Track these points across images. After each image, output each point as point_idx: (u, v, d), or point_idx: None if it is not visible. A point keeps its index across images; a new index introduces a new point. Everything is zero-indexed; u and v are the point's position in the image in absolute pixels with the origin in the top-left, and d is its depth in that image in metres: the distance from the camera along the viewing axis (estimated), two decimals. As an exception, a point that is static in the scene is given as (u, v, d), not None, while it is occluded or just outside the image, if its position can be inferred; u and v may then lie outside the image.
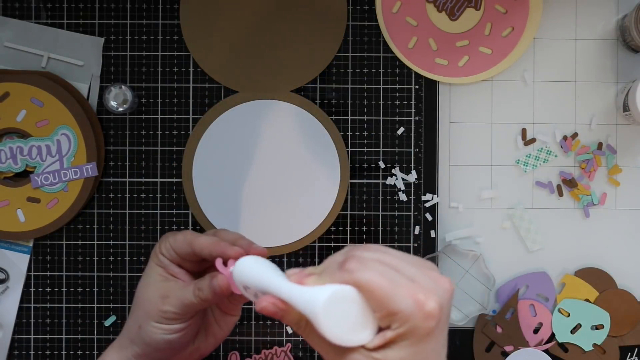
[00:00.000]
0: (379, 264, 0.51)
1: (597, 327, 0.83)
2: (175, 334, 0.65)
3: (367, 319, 0.51)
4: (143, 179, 0.84)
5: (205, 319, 0.69)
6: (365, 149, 0.84)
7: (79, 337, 0.84)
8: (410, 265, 0.52)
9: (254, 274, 0.57)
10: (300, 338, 0.84)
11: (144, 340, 0.65)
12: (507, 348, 0.83)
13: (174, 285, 0.65)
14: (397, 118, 0.84)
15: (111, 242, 0.84)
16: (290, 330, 0.84)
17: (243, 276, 0.59)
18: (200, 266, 0.68)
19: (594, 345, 0.83)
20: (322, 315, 0.50)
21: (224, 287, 0.62)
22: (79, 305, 0.84)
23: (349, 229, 0.84)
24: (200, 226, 0.83)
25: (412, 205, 0.84)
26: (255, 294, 0.57)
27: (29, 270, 0.84)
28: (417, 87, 0.84)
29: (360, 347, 0.51)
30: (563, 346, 0.83)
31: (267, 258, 0.61)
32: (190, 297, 0.64)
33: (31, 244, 0.83)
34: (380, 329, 0.52)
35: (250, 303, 0.83)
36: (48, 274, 0.84)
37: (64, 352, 0.84)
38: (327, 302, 0.50)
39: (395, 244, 0.83)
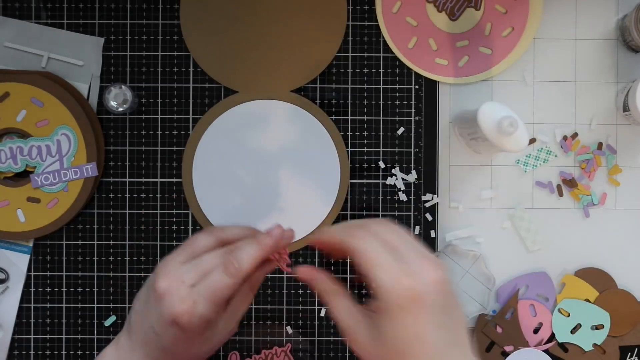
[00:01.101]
0: (378, 239, 0.56)
1: (597, 327, 0.83)
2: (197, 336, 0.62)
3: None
4: (143, 179, 0.84)
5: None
6: (365, 149, 0.84)
7: (79, 337, 0.84)
8: (409, 249, 0.56)
9: None
10: (300, 338, 0.84)
11: (163, 346, 0.61)
12: (507, 348, 0.83)
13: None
14: (397, 118, 0.84)
15: (111, 242, 0.84)
16: (290, 330, 0.84)
17: None
18: None
19: (594, 345, 0.83)
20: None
21: (282, 236, 0.63)
22: (79, 305, 0.84)
23: (349, 229, 0.84)
24: (200, 226, 0.83)
25: (412, 205, 0.84)
26: None
27: (29, 270, 0.84)
28: (417, 87, 0.84)
29: (367, 316, 0.56)
30: (563, 346, 0.83)
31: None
32: (219, 280, 0.59)
33: (31, 244, 0.84)
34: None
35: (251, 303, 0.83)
36: (48, 274, 0.84)
37: (64, 352, 0.84)
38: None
39: (395, 244, 0.83)
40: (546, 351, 0.83)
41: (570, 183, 0.83)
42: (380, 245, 0.55)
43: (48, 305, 0.84)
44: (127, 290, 0.84)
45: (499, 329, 0.83)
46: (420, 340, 0.54)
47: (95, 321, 0.84)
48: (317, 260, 0.84)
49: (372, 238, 0.56)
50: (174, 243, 0.84)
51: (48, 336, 0.84)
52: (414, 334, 0.54)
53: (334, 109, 0.84)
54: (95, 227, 0.84)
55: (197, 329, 0.60)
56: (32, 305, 0.84)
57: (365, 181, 0.84)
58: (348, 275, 0.83)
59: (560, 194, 0.84)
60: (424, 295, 0.54)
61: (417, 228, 0.83)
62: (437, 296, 0.54)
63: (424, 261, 0.55)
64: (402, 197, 0.84)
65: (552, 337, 0.83)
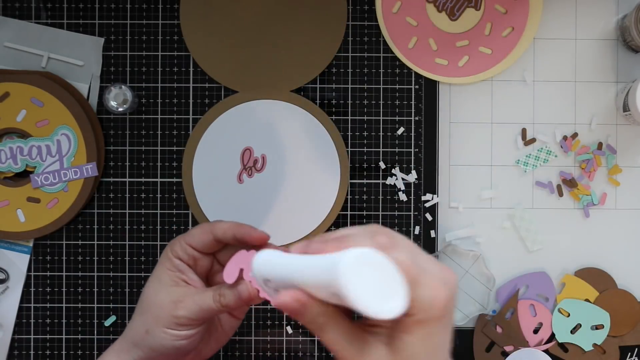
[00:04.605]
0: (406, 245, 0.50)
1: (597, 327, 0.83)
2: (184, 340, 0.64)
3: (396, 290, 0.48)
4: (143, 179, 0.84)
5: (210, 323, 0.68)
6: (365, 149, 0.84)
7: (79, 337, 0.84)
8: (423, 254, 0.51)
9: (277, 264, 0.53)
10: (300, 338, 0.84)
11: (151, 345, 0.64)
12: (507, 348, 0.83)
13: (188, 290, 0.64)
14: (397, 118, 0.84)
15: (111, 242, 0.84)
16: (290, 331, 0.84)
17: (266, 268, 0.54)
18: (210, 265, 0.68)
19: (594, 345, 0.83)
20: (345, 279, 0.45)
21: (253, 294, 0.61)
22: (79, 305, 0.84)
23: (349, 229, 0.84)
24: (200, 226, 0.83)
25: (412, 205, 0.84)
26: (276, 288, 0.54)
27: (29, 270, 0.84)
28: (417, 87, 0.84)
29: (377, 340, 0.50)
30: (563, 346, 0.83)
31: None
32: (209, 303, 0.63)
33: (31, 244, 0.84)
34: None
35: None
36: (48, 274, 0.84)
37: (64, 352, 0.84)
38: (351, 264, 0.46)
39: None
40: (546, 351, 0.83)
41: (570, 183, 0.83)
42: (410, 253, 0.49)
43: (48, 305, 0.84)
44: (127, 290, 0.84)
45: (499, 329, 0.83)
46: (444, 353, 0.51)
47: (95, 321, 0.84)
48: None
49: (402, 246, 0.49)
50: (174, 243, 0.84)
51: (48, 336, 0.84)
52: (441, 344, 0.51)
53: (334, 109, 0.84)
54: (95, 227, 0.84)
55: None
56: (32, 305, 0.84)
57: (365, 181, 0.84)
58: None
59: (560, 194, 0.84)
60: (454, 301, 0.51)
61: (417, 228, 0.83)
62: (456, 297, 0.52)
63: (438, 265, 0.51)
64: (402, 197, 0.84)
65: (552, 337, 0.83)
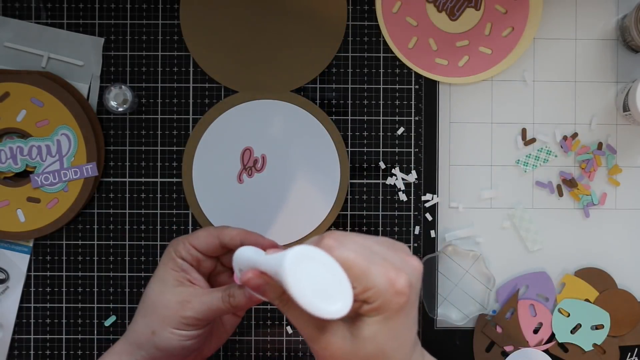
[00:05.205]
0: (354, 243, 0.53)
1: (597, 327, 0.83)
2: (191, 340, 0.64)
3: (341, 290, 0.50)
4: (143, 179, 0.84)
5: (213, 322, 0.68)
6: (365, 149, 0.84)
7: (79, 337, 0.84)
8: (381, 245, 0.54)
9: (250, 258, 0.58)
10: (300, 338, 0.84)
11: (157, 346, 0.64)
12: (507, 348, 0.83)
13: (194, 291, 0.65)
14: (397, 118, 0.84)
15: (111, 242, 0.84)
16: (290, 331, 0.84)
17: (242, 259, 0.59)
18: (213, 267, 0.68)
19: (594, 345, 0.83)
20: (288, 272, 0.48)
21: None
22: (79, 305, 0.84)
23: (349, 229, 0.84)
24: (200, 226, 0.83)
25: (412, 205, 0.84)
26: None
27: (29, 270, 0.84)
28: (417, 87, 0.84)
29: (337, 321, 0.52)
30: (563, 346, 0.83)
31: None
32: (217, 303, 0.63)
33: (31, 244, 0.83)
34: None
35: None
36: (48, 274, 0.84)
37: (64, 352, 0.84)
38: (294, 257, 0.49)
39: (395, 244, 0.83)
40: (546, 351, 0.83)
41: (570, 183, 0.83)
42: (359, 249, 0.52)
43: (48, 305, 0.84)
44: (127, 290, 0.84)
45: (499, 329, 0.83)
46: (406, 337, 0.54)
47: (95, 321, 0.84)
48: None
49: (347, 243, 0.53)
50: (174, 243, 0.84)
51: (48, 336, 0.84)
52: (402, 327, 0.53)
53: (334, 109, 0.84)
54: (95, 227, 0.84)
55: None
56: (32, 305, 0.84)
57: (365, 181, 0.84)
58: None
59: (560, 194, 0.84)
60: (414, 287, 0.53)
61: (417, 228, 0.83)
62: (419, 283, 0.55)
63: (401, 253, 0.55)
64: (402, 197, 0.84)
65: (552, 337, 0.83)
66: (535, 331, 0.83)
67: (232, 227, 0.66)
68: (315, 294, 0.49)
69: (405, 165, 0.84)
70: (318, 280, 0.50)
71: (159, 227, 0.84)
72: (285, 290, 0.49)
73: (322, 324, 0.53)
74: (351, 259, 0.51)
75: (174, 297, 0.64)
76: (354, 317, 0.53)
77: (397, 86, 0.84)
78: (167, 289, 0.65)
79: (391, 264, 0.52)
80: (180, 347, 0.64)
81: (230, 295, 0.63)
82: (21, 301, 0.83)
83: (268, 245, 0.65)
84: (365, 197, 0.84)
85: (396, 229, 0.83)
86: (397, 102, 0.84)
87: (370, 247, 0.53)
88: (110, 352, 0.66)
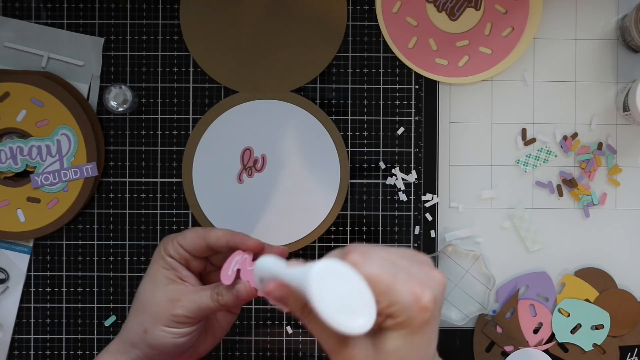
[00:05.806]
0: (379, 257, 0.52)
1: (597, 327, 0.83)
2: (183, 338, 0.65)
3: (364, 305, 0.51)
4: (143, 179, 0.84)
5: (206, 319, 0.69)
6: (365, 149, 0.84)
7: (79, 337, 0.84)
8: (405, 259, 0.54)
9: (273, 269, 0.57)
10: (300, 338, 0.84)
11: (150, 344, 0.65)
12: (507, 348, 0.83)
13: (184, 288, 0.65)
14: (397, 118, 0.84)
15: (111, 242, 0.84)
16: (290, 331, 0.84)
17: (264, 270, 0.58)
18: (203, 267, 0.68)
19: (594, 345, 0.83)
20: (314, 286, 0.48)
21: (250, 293, 0.63)
22: (79, 305, 0.84)
23: (349, 229, 0.84)
24: (199, 226, 0.83)
25: (412, 205, 0.84)
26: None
27: (29, 270, 0.84)
28: (417, 87, 0.84)
29: (363, 337, 0.52)
30: (563, 346, 0.83)
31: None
32: (207, 301, 0.64)
33: (31, 244, 0.84)
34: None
35: (249, 303, 0.83)
36: (48, 274, 0.84)
37: (64, 352, 0.84)
38: (320, 272, 0.49)
39: (395, 244, 0.83)
40: (546, 351, 0.83)
41: (570, 183, 0.83)
42: (384, 264, 0.52)
43: (48, 305, 0.84)
44: (127, 290, 0.84)
45: (499, 329, 0.83)
46: (427, 350, 0.53)
47: (95, 321, 0.84)
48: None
49: (373, 258, 0.52)
50: (174, 243, 0.83)
51: (48, 336, 0.84)
52: (424, 342, 0.53)
53: (334, 109, 0.84)
54: (95, 227, 0.84)
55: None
56: (32, 305, 0.84)
57: (365, 181, 0.84)
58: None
59: (560, 194, 0.84)
60: (438, 302, 0.53)
61: (417, 228, 0.83)
62: (443, 297, 0.54)
63: (425, 266, 0.54)
64: (402, 197, 0.84)
65: (552, 337, 0.83)
66: (535, 331, 0.83)
67: (218, 228, 0.66)
68: (339, 309, 0.49)
69: (405, 165, 0.84)
70: (342, 294, 0.50)
71: (159, 227, 0.84)
72: (308, 303, 0.49)
73: (343, 337, 0.52)
74: (376, 274, 0.51)
75: (164, 296, 0.65)
76: (376, 331, 0.52)
77: (397, 86, 0.84)
78: (158, 287, 0.65)
79: (416, 279, 0.52)
80: (173, 345, 0.64)
81: (218, 294, 0.64)
82: (21, 301, 0.84)
83: (254, 245, 0.65)
84: (365, 197, 0.84)
85: (396, 229, 0.83)
86: (397, 102, 0.84)
87: (394, 262, 0.53)
88: (105, 351, 0.67)
